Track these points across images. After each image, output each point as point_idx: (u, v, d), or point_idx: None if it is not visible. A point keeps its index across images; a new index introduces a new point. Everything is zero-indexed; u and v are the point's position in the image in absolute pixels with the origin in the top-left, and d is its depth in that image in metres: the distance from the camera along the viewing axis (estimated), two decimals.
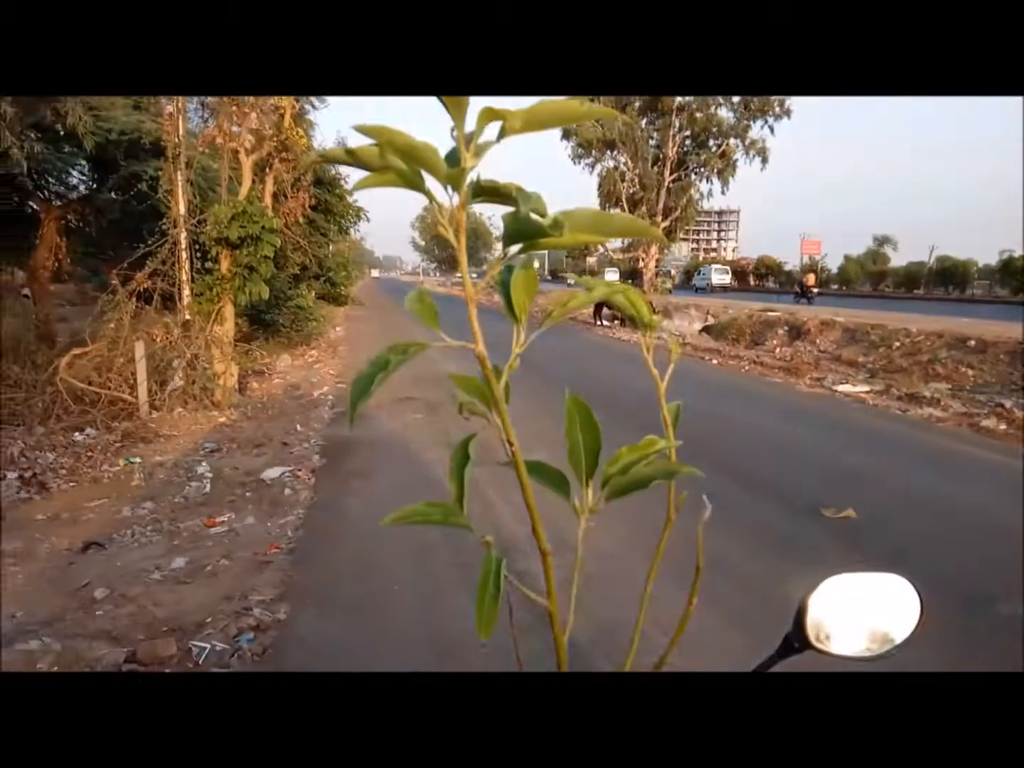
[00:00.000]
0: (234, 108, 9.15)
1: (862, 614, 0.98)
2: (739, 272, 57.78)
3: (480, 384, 0.69)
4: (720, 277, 45.14)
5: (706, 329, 19.35)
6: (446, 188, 0.58)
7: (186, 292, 9.35)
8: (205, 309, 9.20)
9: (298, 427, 7.90)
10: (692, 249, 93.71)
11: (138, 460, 6.51)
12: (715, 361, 13.78)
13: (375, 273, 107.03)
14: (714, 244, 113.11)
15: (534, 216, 0.57)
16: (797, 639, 0.95)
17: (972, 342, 11.82)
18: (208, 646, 3.31)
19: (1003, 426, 7.85)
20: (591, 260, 55.08)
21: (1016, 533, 4.63)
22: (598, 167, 27.09)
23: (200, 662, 3.20)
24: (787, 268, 55.33)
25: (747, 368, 12.90)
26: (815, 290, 27.56)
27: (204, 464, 6.44)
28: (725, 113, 25.34)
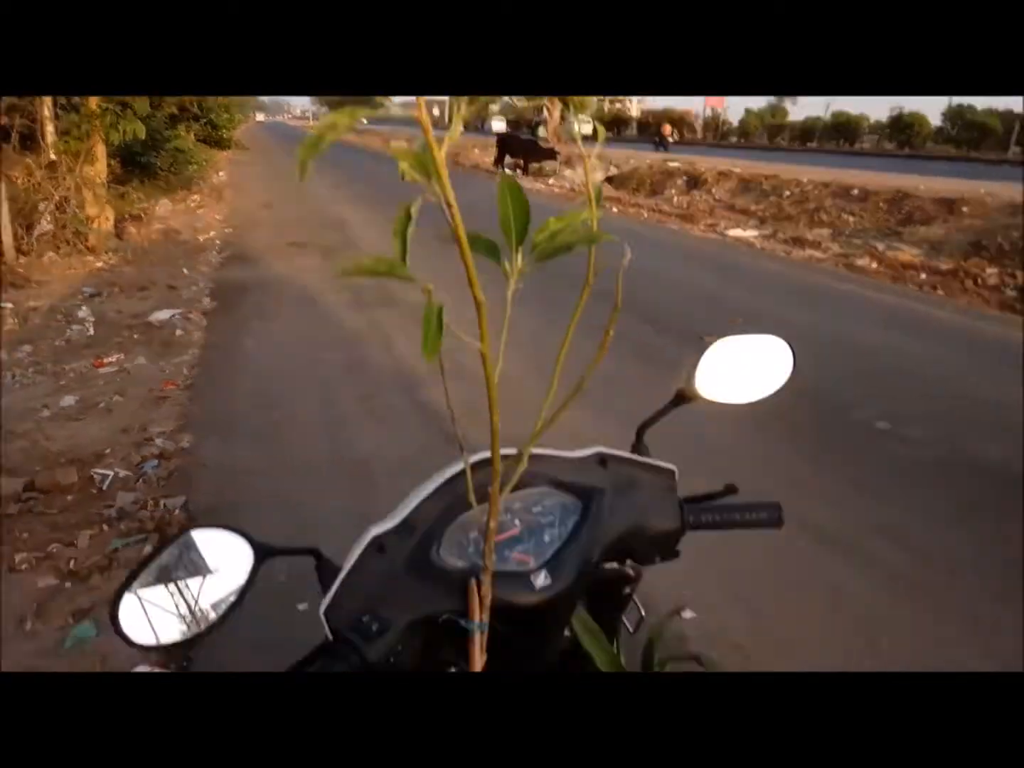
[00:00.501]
0: None
1: (745, 369, 1.10)
2: (642, 124, 57.16)
3: (418, 155, 0.70)
4: (585, 127, 48.98)
5: (608, 179, 19.25)
6: None
7: (50, 130, 8.46)
8: (73, 148, 8.38)
9: (185, 271, 7.55)
10: (598, 100, 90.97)
11: (9, 305, 6.11)
12: (615, 209, 13.85)
13: (260, 117, 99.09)
14: (620, 97, 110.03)
15: None
16: (688, 391, 1.06)
17: (856, 191, 12.32)
18: (111, 473, 3.31)
19: (874, 264, 8.40)
20: (494, 107, 52.88)
21: (874, 354, 5.10)
22: None
23: (104, 488, 3.21)
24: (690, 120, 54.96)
25: (646, 216, 13.06)
26: (670, 139, 31.76)
27: (84, 308, 6.12)
28: None
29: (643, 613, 1.08)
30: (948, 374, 4.56)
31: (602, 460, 0.98)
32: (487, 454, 0.85)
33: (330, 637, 0.81)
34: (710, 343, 1.07)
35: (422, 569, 0.85)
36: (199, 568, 0.81)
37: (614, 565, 1.03)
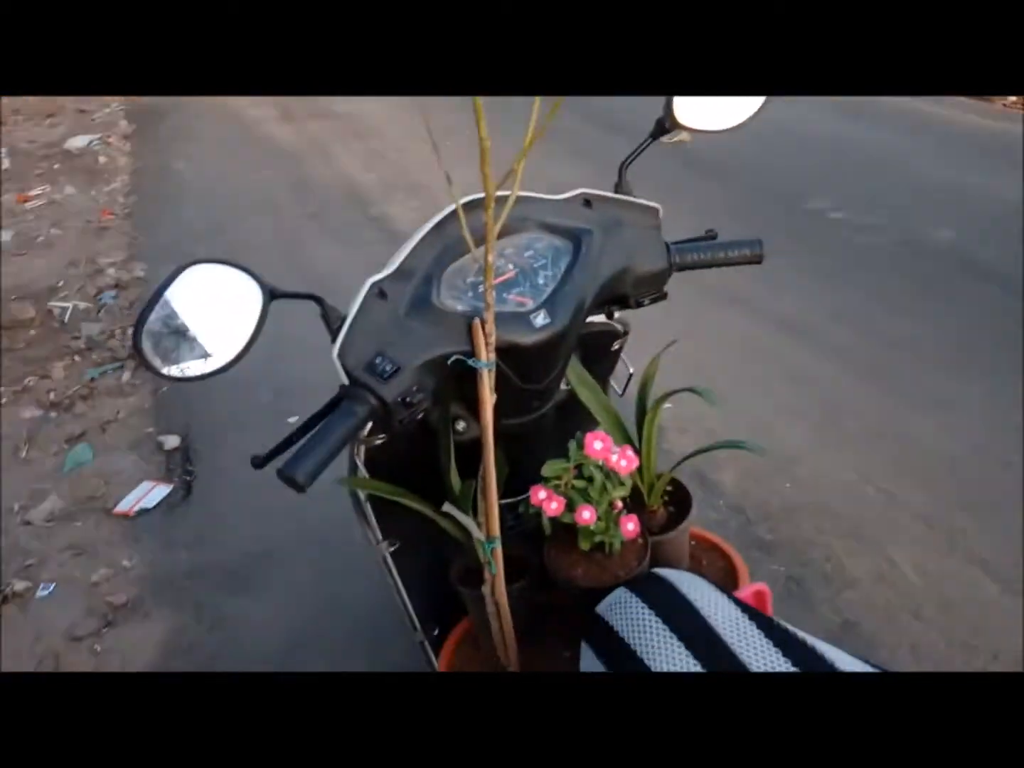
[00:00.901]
0: None
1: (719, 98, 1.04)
2: None
3: None
4: None
5: None
6: None
7: None
8: None
9: None
10: None
11: None
12: None
13: None
14: None
15: None
16: (668, 120, 1.03)
17: None
18: (69, 306, 3.22)
19: None
20: None
21: (823, 143, 5.06)
22: None
23: (65, 321, 3.14)
24: None
25: None
26: None
27: None
28: None
29: (631, 370, 1.11)
30: (898, 160, 4.60)
31: (587, 201, 0.98)
32: (478, 196, 0.83)
33: (346, 381, 0.83)
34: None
35: (425, 312, 0.85)
36: (211, 302, 0.81)
37: (602, 319, 1.05)
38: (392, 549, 1.06)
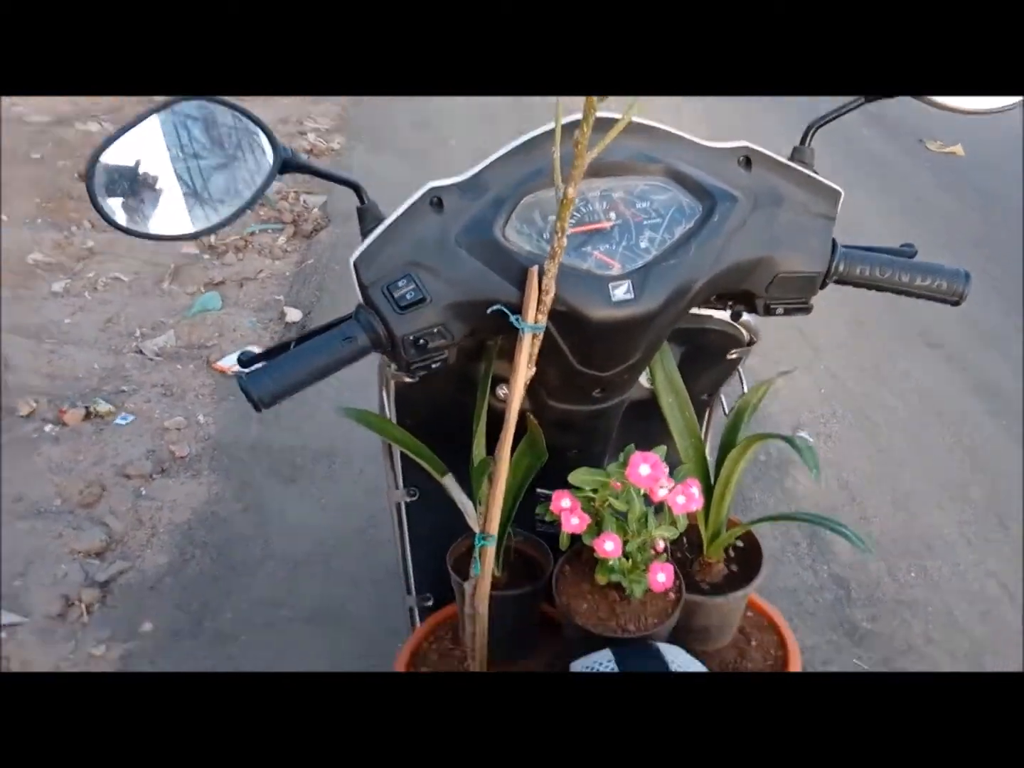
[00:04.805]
0: None
1: None
2: None
3: None
4: None
5: None
6: None
7: None
8: None
9: None
10: None
11: None
12: None
13: None
14: None
15: None
16: None
17: None
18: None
19: None
20: None
21: None
22: None
23: None
24: None
25: None
26: None
27: None
28: None
29: (745, 389, 0.92)
30: None
31: (747, 159, 0.77)
32: (599, 115, 0.68)
33: (359, 297, 0.70)
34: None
35: (481, 242, 0.70)
36: (201, 152, 0.69)
37: (724, 317, 0.86)
38: (408, 500, 0.97)
